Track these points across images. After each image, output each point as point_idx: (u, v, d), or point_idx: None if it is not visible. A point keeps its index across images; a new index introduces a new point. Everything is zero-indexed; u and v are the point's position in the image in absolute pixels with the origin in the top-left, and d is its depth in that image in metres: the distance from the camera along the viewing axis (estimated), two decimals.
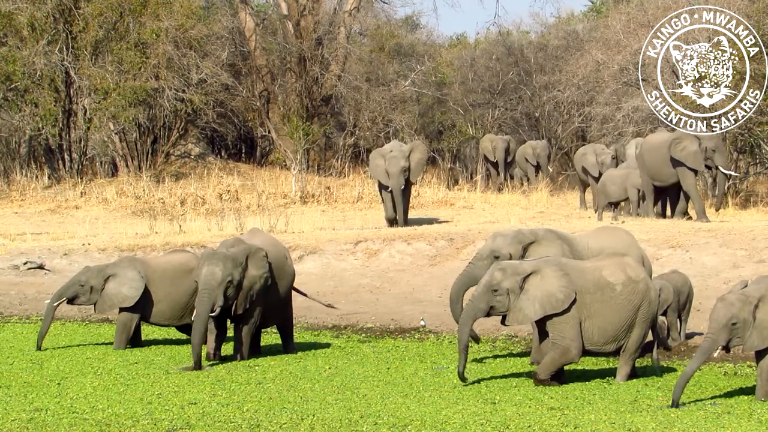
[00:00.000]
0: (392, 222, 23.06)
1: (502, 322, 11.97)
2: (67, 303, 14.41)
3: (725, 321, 10.73)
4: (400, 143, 24.41)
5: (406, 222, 22.95)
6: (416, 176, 23.24)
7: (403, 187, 22.77)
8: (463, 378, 11.62)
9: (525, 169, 32.52)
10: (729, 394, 11.21)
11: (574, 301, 11.58)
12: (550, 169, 32.33)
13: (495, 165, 33.53)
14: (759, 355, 10.91)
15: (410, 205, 28.82)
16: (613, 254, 12.54)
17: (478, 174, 34.95)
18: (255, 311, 13.16)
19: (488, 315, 11.81)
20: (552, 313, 11.59)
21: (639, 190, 23.36)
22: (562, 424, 9.67)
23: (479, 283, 11.94)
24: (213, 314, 12.76)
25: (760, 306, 10.80)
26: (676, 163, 21.88)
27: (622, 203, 24.10)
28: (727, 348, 10.91)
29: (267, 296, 13.22)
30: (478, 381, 11.87)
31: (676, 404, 10.49)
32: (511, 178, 33.63)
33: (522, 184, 32.11)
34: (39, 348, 13.94)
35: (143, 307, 14.20)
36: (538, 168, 32.29)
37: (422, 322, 15.86)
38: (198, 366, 12.47)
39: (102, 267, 14.46)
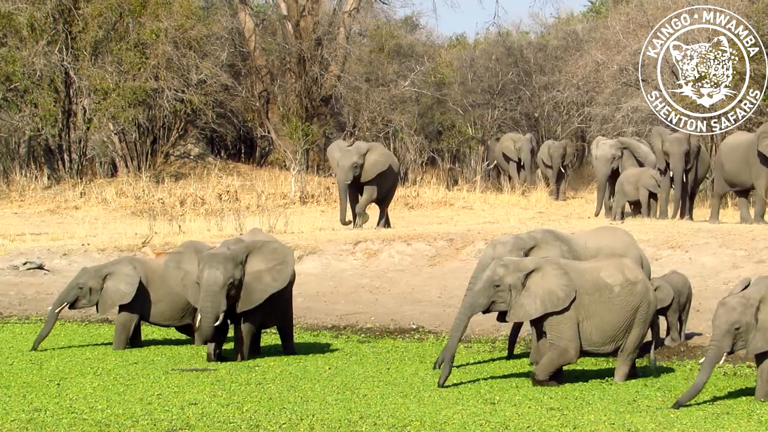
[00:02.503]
0: (346, 223, 22.45)
1: (499, 319, 11.96)
2: (69, 308, 14.39)
3: (728, 326, 10.71)
4: (364, 142, 23.85)
5: (364, 219, 22.27)
6: (368, 177, 22.21)
7: (348, 182, 22.02)
8: (441, 385, 11.51)
9: (545, 169, 32.19)
10: (729, 395, 11.21)
11: (574, 299, 11.60)
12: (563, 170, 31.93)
13: (517, 164, 33.19)
14: (759, 355, 10.91)
15: (410, 205, 28.68)
16: (611, 255, 12.55)
17: (478, 174, 34.94)
18: (255, 311, 13.15)
19: (487, 311, 11.79)
20: (551, 312, 11.61)
21: (650, 192, 23.31)
22: (562, 425, 9.67)
23: (480, 278, 11.93)
24: (217, 324, 12.73)
25: (761, 308, 10.79)
26: (763, 158, 20.44)
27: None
28: (730, 351, 10.90)
29: (267, 298, 13.21)
30: (478, 381, 11.87)
31: (679, 406, 10.49)
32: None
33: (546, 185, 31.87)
34: (34, 348, 13.92)
35: (143, 307, 14.20)
36: (564, 167, 31.90)
37: (413, 324, 15.86)
38: (217, 355, 12.76)
39: (99, 267, 14.46)
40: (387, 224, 22.82)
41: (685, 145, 22.47)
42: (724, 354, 10.77)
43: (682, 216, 22.66)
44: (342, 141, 23.91)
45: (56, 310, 14.21)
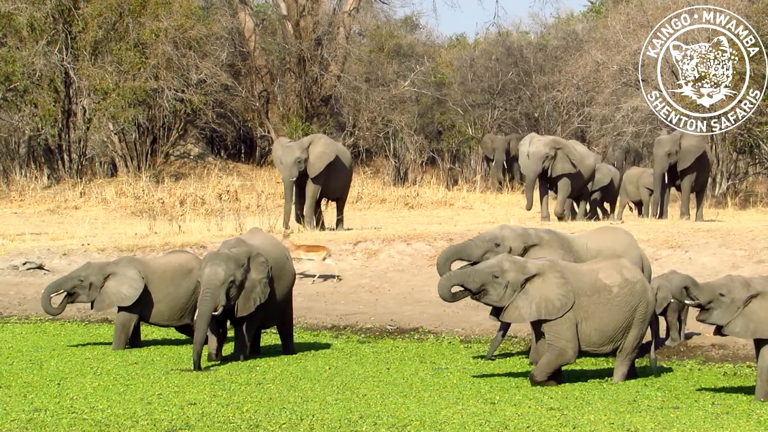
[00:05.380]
0: (295, 219, 21.52)
1: (492, 314, 11.95)
2: (67, 301, 14.33)
3: (717, 287, 10.92)
4: (307, 137, 22.80)
5: (314, 223, 21.51)
6: (315, 171, 21.36)
7: (293, 179, 21.25)
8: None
9: None
10: (729, 395, 11.21)
11: (570, 308, 11.60)
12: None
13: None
14: (759, 355, 10.93)
15: (410, 205, 28.60)
16: (610, 256, 12.56)
17: (478, 174, 34.92)
18: (255, 312, 13.15)
19: (474, 296, 11.73)
20: (546, 318, 11.62)
21: (650, 191, 23.22)
22: (561, 425, 9.67)
23: (483, 262, 11.95)
24: (216, 313, 12.74)
25: (757, 298, 10.84)
26: None
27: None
28: (719, 331, 10.95)
29: (268, 298, 13.21)
30: (478, 381, 11.87)
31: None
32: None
33: None
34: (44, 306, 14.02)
35: (142, 307, 14.18)
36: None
37: (389, 326, 15.86)
38: (198, 366, 12.46)
39: (103, 264, 14.41)
40: (341, 226, 22.21)
41: (666, 147, 22.31)
42: (695, 300, 10.95)
43: (660, 216, 22.63)
44: (284, 139, 22.83)
45: (51, 294, 14.16)
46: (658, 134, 23.87)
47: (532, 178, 22.96)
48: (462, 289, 11.75)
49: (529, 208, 23.46)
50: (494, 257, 12.03)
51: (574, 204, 23.71)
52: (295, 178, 21.34)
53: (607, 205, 24.86)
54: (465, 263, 13.25)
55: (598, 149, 33.82)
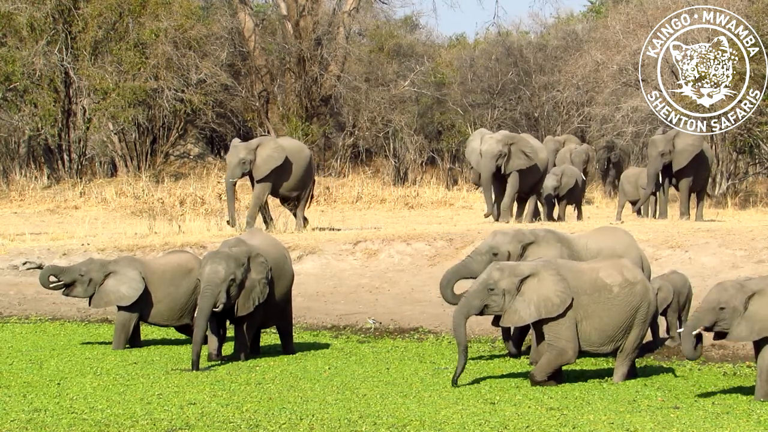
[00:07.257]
0: (232, 223, 21.17)
1: (494, 323, 11.96)
2: (63, 293, 14.33)
3: (714, 304, 10.85)
4: (258, 138, 22.50)
5: (254, 224, 20.97)
6: (261, 174, 20.87)
7: (233, 180, 20.93)
8: (455, 383, 11.59)
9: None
10: (728, 395, 11.21)
11: (571, 304, 11.58)
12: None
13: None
14: (758, 354, 10.93)
15: (410, 205, 28.55)
16: (610, 256, 12.56)
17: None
18: (255, 312, 13.16)
19: (481, 314, 11.80)
20: (547, 317, 11.61)
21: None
22: (561, 425, 9.67)
23: (475, 280, 11.94)
24: (216, 310, 12.75)
25: (755, 298, 10.83)
26: None
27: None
28: (718, 335, 10.94)
29: (267, 297, 13.22)
30: (478, 381, 11.87)
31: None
32: None
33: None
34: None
35: (142, 307, 14.19)
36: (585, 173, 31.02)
37: (370, 321, 15.87)
38: (196, 364, 12.46)
39: (105, 262, 14.44)
40: (304, 225, 21.88)
41: (660, 146, 22.22)
42: (701, 327, 10.85)
43: (655, 216, 22.63)
44: (237, 139, 22.22)
45: (50, 274, 14.20)
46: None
47: (488, 179, 21.95)
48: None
49: (487, 214, 22.41)
50: (483, 272, 12.00)
51: (538, 203, 23.01)
52: (235, 180, 21.06)
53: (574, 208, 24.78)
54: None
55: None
